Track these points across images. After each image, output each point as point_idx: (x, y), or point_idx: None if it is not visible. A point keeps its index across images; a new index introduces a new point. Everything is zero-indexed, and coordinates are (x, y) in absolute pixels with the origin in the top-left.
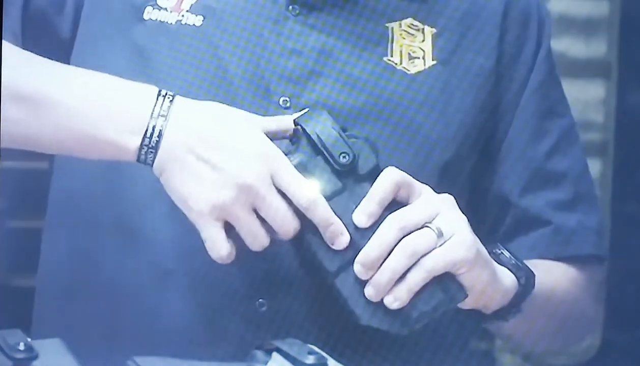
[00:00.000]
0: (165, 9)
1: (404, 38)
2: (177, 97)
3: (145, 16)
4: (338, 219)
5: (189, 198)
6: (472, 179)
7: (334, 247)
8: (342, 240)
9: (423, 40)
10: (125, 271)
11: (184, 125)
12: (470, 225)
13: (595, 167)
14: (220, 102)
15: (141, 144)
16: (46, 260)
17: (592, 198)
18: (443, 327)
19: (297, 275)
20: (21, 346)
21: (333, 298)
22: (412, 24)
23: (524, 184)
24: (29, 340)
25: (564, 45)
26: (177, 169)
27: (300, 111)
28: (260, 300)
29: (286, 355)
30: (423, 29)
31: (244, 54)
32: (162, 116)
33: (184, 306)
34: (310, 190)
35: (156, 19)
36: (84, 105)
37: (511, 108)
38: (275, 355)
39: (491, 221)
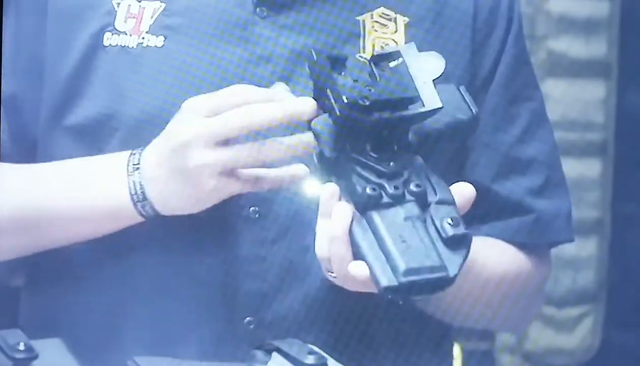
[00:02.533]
0: (125, 32)
1: (375, 30)
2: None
3: (106, 42)
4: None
5: (190, 187)
6: (447, 166)
7: None
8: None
9: (395, 31)
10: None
11: (152, 160)
12: None
13: (595, 167)
14: None
15: (130, 194)
16: (36, 259)
17: (562, 180)
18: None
19: (282, 289)
20: (21, 346)
21: (319, 310)
22: (384, 13)
23: (496, 170)
24: (29, 340)
25: (564, 45)
26: (165, 184)
27: None
28: (247, 318)
29: (286, 355)
30: (395, 18)
31: (211, 68)
32: (135, 168)
33: (174, 325)
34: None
35: (117, 45)
36: (72, 195)
37: (480, 95)
38: (275, 355)
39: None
